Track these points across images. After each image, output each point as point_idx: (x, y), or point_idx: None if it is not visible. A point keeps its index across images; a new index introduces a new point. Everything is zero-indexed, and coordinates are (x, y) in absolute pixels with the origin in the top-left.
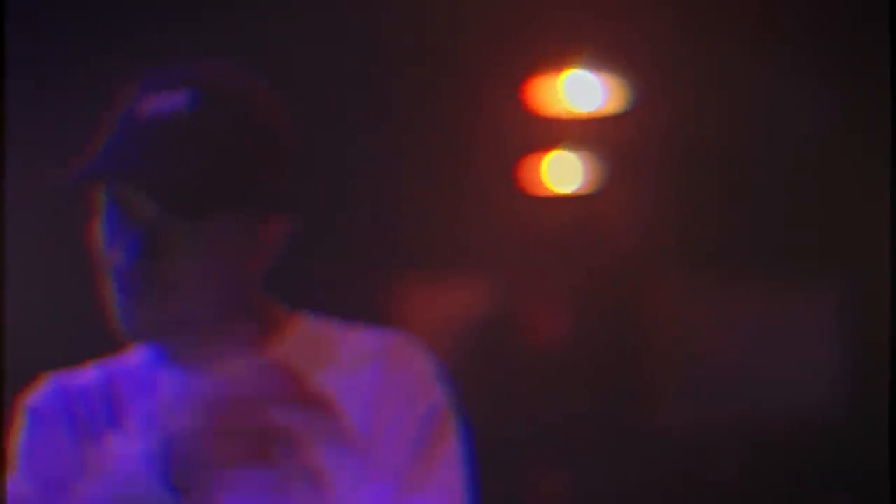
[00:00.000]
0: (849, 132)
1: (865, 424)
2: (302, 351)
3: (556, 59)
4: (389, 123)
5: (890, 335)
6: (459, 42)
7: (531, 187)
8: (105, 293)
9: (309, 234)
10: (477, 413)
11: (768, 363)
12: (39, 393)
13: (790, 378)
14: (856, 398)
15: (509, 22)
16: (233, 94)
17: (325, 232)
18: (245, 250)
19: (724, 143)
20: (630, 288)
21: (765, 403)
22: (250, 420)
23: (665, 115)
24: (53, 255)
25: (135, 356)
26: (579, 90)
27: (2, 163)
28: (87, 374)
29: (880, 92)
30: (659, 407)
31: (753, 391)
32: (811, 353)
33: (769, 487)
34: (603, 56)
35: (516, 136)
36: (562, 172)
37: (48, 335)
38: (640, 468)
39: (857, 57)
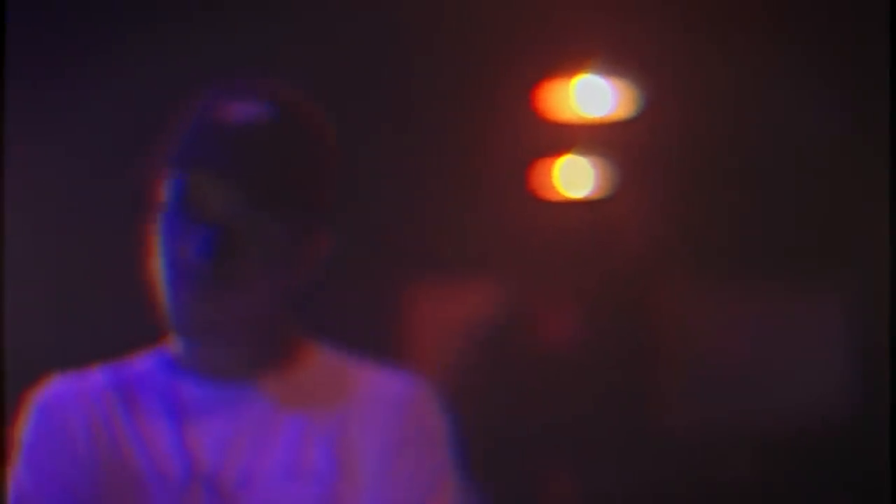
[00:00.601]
0: (853, 133)
1: (874, 425)
2: (319, 382)
3: (567, 64)
4: (401, 127)
5: (890, 335)
6: (472, 47)
7: (543, 191)
8: (156, 287)
9: None
10: (487, 413)
11: (776, 365)
12: (49, 390)
13: (798, 379)
14: (864, 399)
15: (521, 27)
16: (303, 113)
17: (336, 235)
18: (294, 262)
19: (734, 147)
20: (641, 290)
21: (773, 405)
22: None
23: (676, 120)
24: (53, 254)
25: (144, 360)
26: (591, 95)
27: (1, 163)
28: (98, 376)
29: (881, 92)
30: (669, 408)
31: (761, 392)
32: (819, 355)
33: (776, 488)
34: (614, 61)
35: (528, 141)
36: (573, 176)
37: (48, 336)
38: (648, 469)
39: (858, 57)
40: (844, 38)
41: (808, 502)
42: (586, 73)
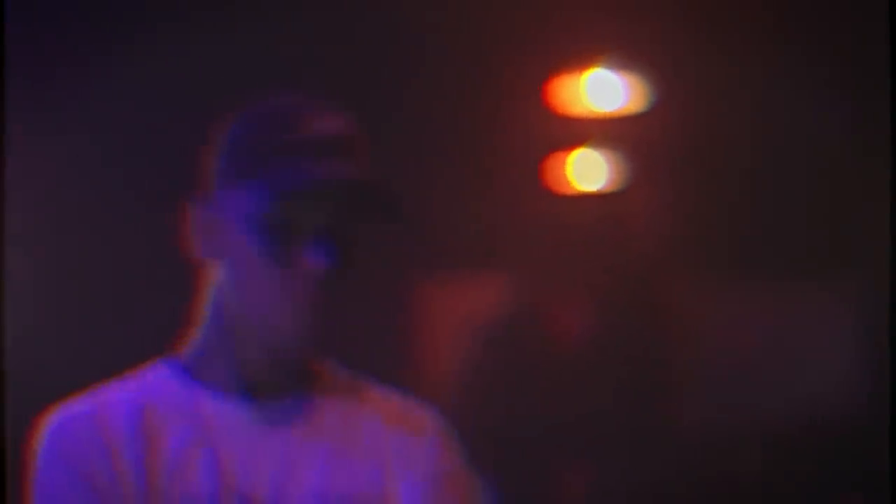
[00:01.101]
0: (855, 133)
1: (883, 423)
2: (341, 406)
3: (579, 58)
4: (411, 123)
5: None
6: (482, 42)
7: (555, 185)
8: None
9: None
10: (497, 408)
11: (786, 362)
12: (58, 417)
13: (807, 377)
14: (873, 397)
15: (532, 21)
16: (357, 126)
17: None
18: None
19: (746, 143)
20: (653, 286)
21: (783, 402)
22: None
23: (687, 115)
24: (54, 256)
25: (155, 373)
26: (603, 89)
27: (1, 163)
28: (109, 394)
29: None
30: (679, 404)
31: (771, 390)
32: (828, 352)
33: (785, 485)
34: (626, 55)
35: (540, 135)
36: (585, 171)
37: (48, 338)
38: (658, 465)
39: (859, 56)
40: (845, 37)
41: (817, 499)
42: (598, 67)
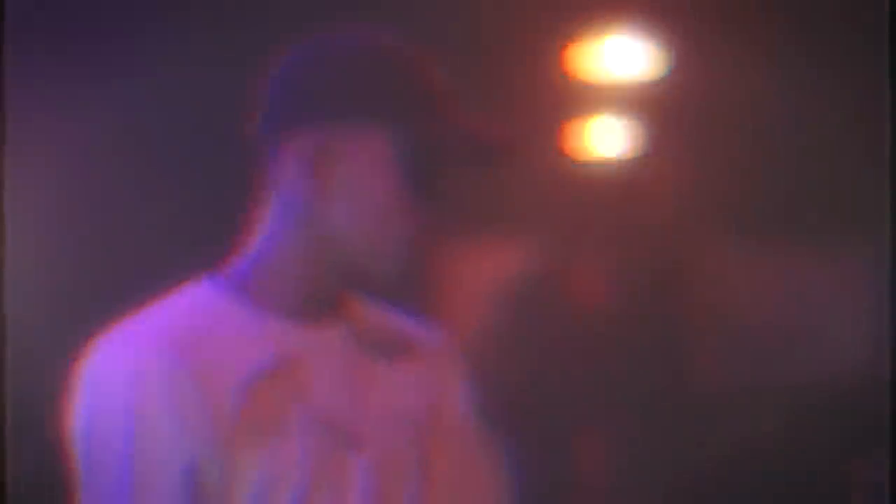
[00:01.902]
0: (887, 93)
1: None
2: (374, 331)
3: (597, 25)
4: None
5: None
6: (501, 8)
7: (574, 152)
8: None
9: None
10: (518, 372)
11: (811, 327)
12: (103, 353)
13: (832, 341)
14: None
15: None
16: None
17: None
18: None
19: (763, 109)
20: (672, 252)
21: (806, 365)
22: None
23: (706, 81)
24: (53, 251)
25: (202, 294)
26: (621, 56)
27: (1, 162)
28: (159, 327)
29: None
30: (699, 368)
31: (795, 355)
32: (853, 316)
33: (809, 449)
34: (644, 22)
35: (559, 102)
36: (604, 137)
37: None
38: (679, 428)
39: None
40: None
41: (840, 463)
42: (616, 34)
